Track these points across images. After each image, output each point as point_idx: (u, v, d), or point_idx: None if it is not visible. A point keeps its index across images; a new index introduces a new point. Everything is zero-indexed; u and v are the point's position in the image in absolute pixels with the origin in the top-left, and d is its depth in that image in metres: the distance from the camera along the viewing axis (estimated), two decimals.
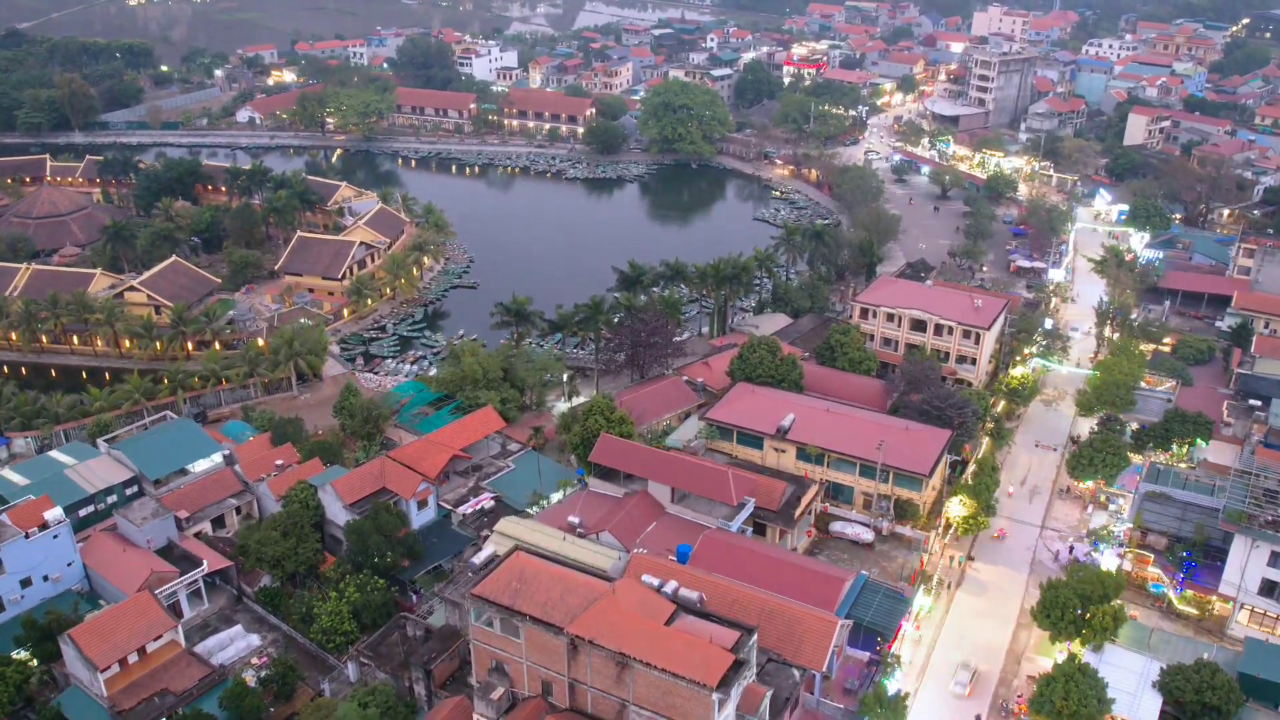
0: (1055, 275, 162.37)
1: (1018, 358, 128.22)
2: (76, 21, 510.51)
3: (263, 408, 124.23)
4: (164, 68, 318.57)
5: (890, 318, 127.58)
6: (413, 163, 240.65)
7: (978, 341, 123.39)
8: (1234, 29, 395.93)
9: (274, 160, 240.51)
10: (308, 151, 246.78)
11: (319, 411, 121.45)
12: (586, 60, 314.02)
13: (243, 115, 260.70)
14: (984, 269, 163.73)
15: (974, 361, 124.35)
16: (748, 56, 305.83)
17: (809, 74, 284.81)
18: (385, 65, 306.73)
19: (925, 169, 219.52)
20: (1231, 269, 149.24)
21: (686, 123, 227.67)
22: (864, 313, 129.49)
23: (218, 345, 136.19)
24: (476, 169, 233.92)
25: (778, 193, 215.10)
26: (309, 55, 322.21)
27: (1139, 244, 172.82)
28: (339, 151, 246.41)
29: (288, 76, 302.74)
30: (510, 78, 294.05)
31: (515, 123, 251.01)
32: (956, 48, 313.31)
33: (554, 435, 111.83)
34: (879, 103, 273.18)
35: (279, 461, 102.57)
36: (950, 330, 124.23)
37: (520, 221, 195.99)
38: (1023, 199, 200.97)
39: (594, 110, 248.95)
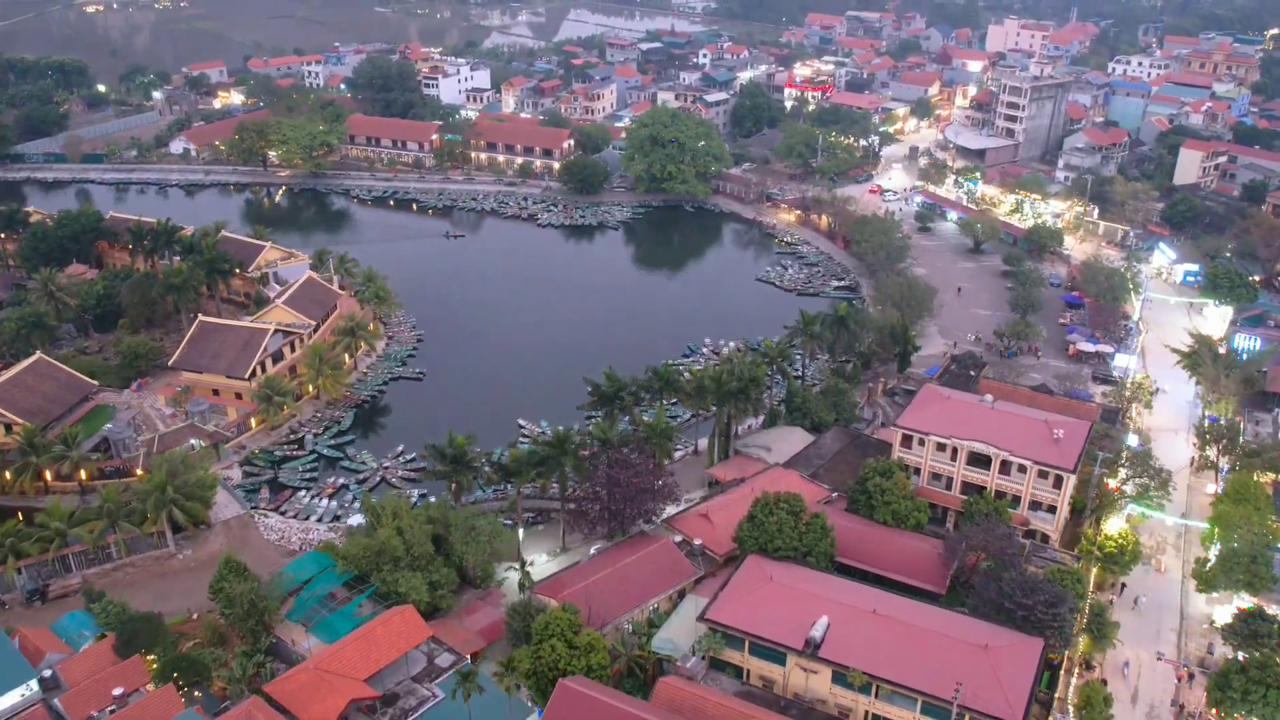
0: (1124, 361, 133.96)
1: (1106, 499, 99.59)
2: (29, 31, 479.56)
3: (127, 571, 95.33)
4: (100, 87, 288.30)
5: (942, 447, 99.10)
6: (367, 202, 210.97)
7: (1059, 485, 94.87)
8: (1263, 43, 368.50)
9: (210, 200, 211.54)
10: (249, 189, 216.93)
11: (201, 578, 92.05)
12: (567, 79, 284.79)
13: (176, 146, 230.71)
14: (1039, 354, 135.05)
15: (1052, 509, 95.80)
16: (745, 76, 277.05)
17: (813, 97, 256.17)
18: (342, 86, 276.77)
19: (952, 214, 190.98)
20: None
21: (677, 159, 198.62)
22: (906, 440, 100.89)
23: (84, 475, 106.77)
24: (437, 209, 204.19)
25: (781, 241, 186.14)
26: (260, 74, 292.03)
27: (1220, 320, 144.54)
28: (283, 189, 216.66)
29: (235, 98, 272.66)
30: (481, 100, 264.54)
31: (484, 155, 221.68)
32: (974, 66, 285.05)
33: (501, 632, 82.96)
34: (892, 130, 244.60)
35: (118, 690, 73.70)
36: (1022, 468, 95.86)
37: (483, 279, 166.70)
38: (1070, 254, 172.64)
39: (572, 142, 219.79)
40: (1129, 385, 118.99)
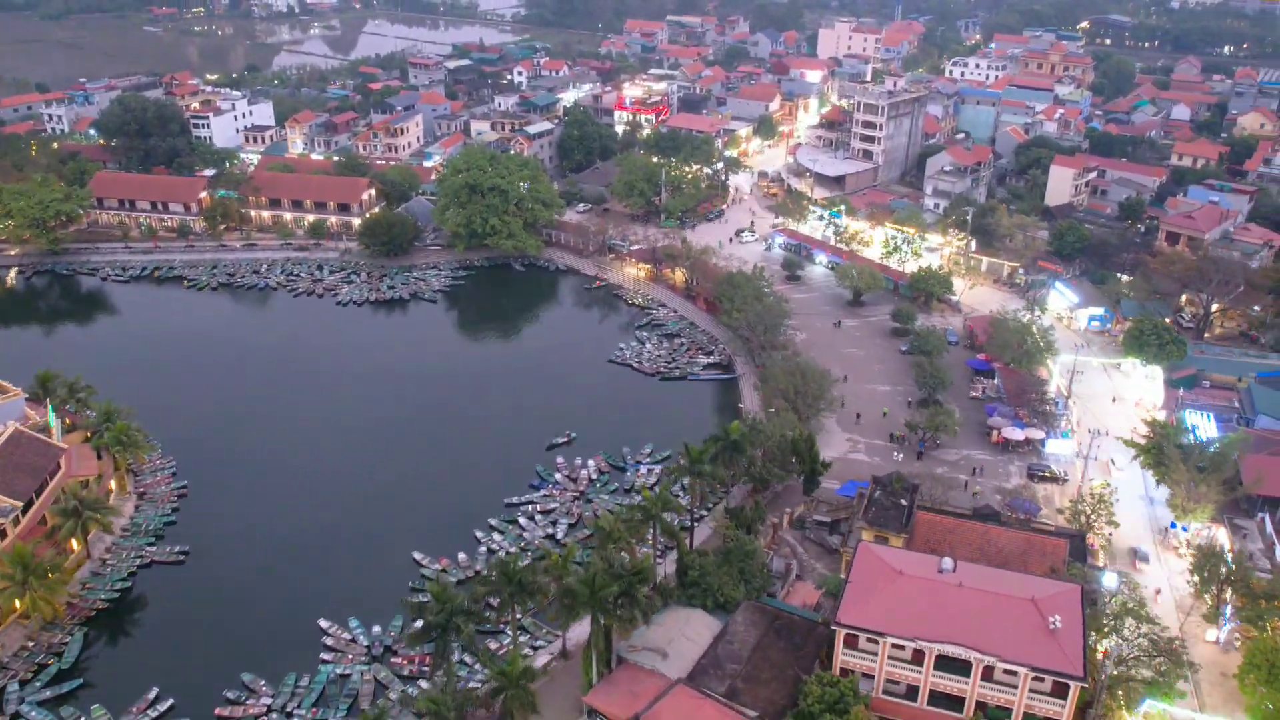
0: (1060, 449, 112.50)
1: (1115, 684, 75.66)
2: None
3: None
4: None
5: (901, 648, 73.04)
6: (125, 281, 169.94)
7: (1063, 694, 70.21)
8: (1081, 39, 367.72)
9: None
10: None
11: None
12: (365, 108, 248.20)
13: None
14: (978, 483, 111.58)
15: None
16: (568, 97, 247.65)
17: (647, 120, 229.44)
18: (92, 131, 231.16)
19: (821, 256, 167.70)
20: None
21: (501, 209, 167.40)
22: (851, 640, 74.38)
23: None
24: (210, 287, 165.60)
25: (632, 303, 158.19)
26: None
27: (1149, 384, 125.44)
28: (13, 273, 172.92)
29: None
30: (262, 140, 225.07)
31: (266, 214, 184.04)
32: (813, 76, 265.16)
33: None
34: (736, 152, 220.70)
35: None
36: (1012, 672, 70.81)
37: (270, 386, 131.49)
38: (959, 300, 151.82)
39: (374, 192, 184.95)
40: (1086, 500, 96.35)
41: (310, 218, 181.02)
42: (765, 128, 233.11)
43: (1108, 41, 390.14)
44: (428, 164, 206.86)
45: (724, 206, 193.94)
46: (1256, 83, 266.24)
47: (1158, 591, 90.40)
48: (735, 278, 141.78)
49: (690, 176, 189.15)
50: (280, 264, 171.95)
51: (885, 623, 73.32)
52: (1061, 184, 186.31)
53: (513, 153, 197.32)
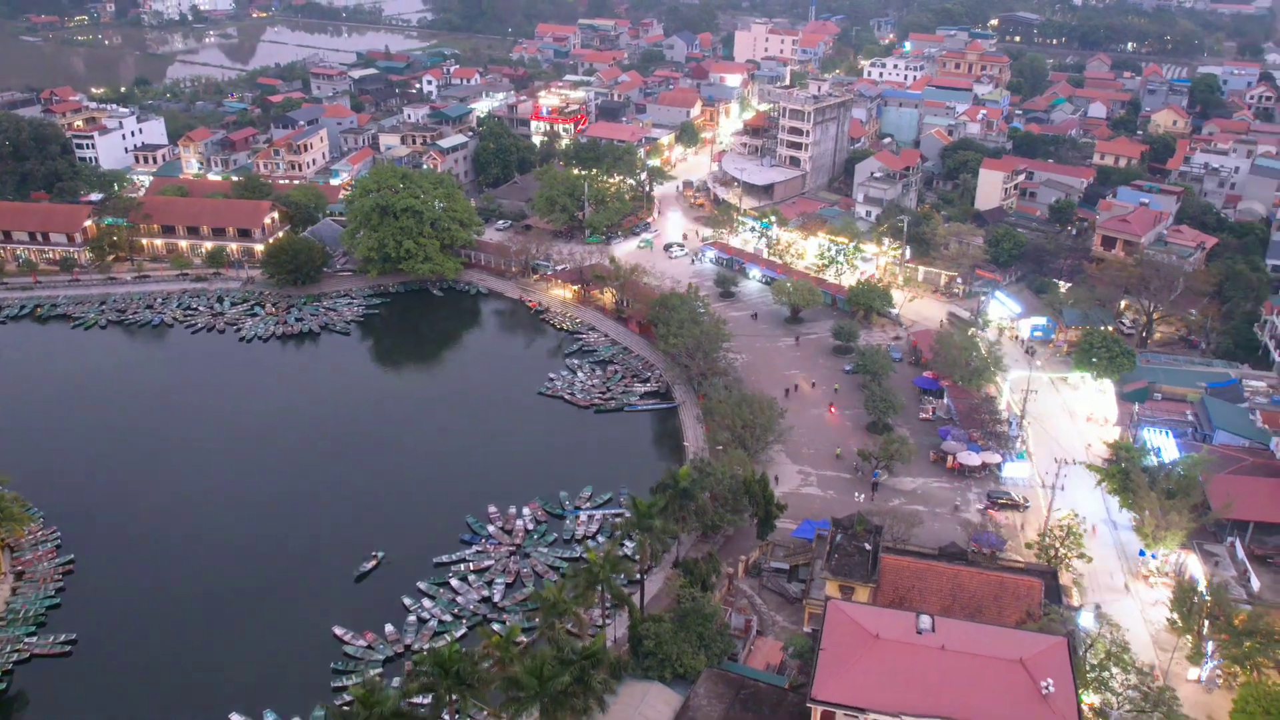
0: (1017, 472, 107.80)
1: None
2: None
3: None
4: None
5: None
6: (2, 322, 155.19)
7: None
8: (994, 37, 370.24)
9: None
10: None
11: None
12: (265, 123, 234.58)
13: None
14: (936, 513, 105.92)
15: None
16: (481, 107, 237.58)
17: (565, 130, 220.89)
18: None
19: (755, 270, 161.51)
20: None
21: (415, 232, 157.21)
22: (828, 716, 67.40)
23: None
24: (99, 325, 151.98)
25: (559, 326, 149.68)
26: None
27: (1101, 398, 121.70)
28: None
29: None
30: (154, 160, 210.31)
31: (159, 242, 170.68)
32: (733, 80, 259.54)
33: None
34: (659, 161, 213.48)
35: None
36: None
37: (169, 439, 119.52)
38: (898, 314, 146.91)
39: (276, 215, 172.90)
40: (1054, 533, 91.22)
41: (208, 245, 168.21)
42: (687, 135, 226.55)
43: (1017, 39, 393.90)
44: (335, 182, 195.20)
45: (650, 219, 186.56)
46: (1166, 80, 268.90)
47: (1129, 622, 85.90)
48: (670, 299, 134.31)
49: (614, 189, 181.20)
50: (176, 297, 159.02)
51: (865, 696, 66.50)
52: (991, 187, 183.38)
53: (426, 168, 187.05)
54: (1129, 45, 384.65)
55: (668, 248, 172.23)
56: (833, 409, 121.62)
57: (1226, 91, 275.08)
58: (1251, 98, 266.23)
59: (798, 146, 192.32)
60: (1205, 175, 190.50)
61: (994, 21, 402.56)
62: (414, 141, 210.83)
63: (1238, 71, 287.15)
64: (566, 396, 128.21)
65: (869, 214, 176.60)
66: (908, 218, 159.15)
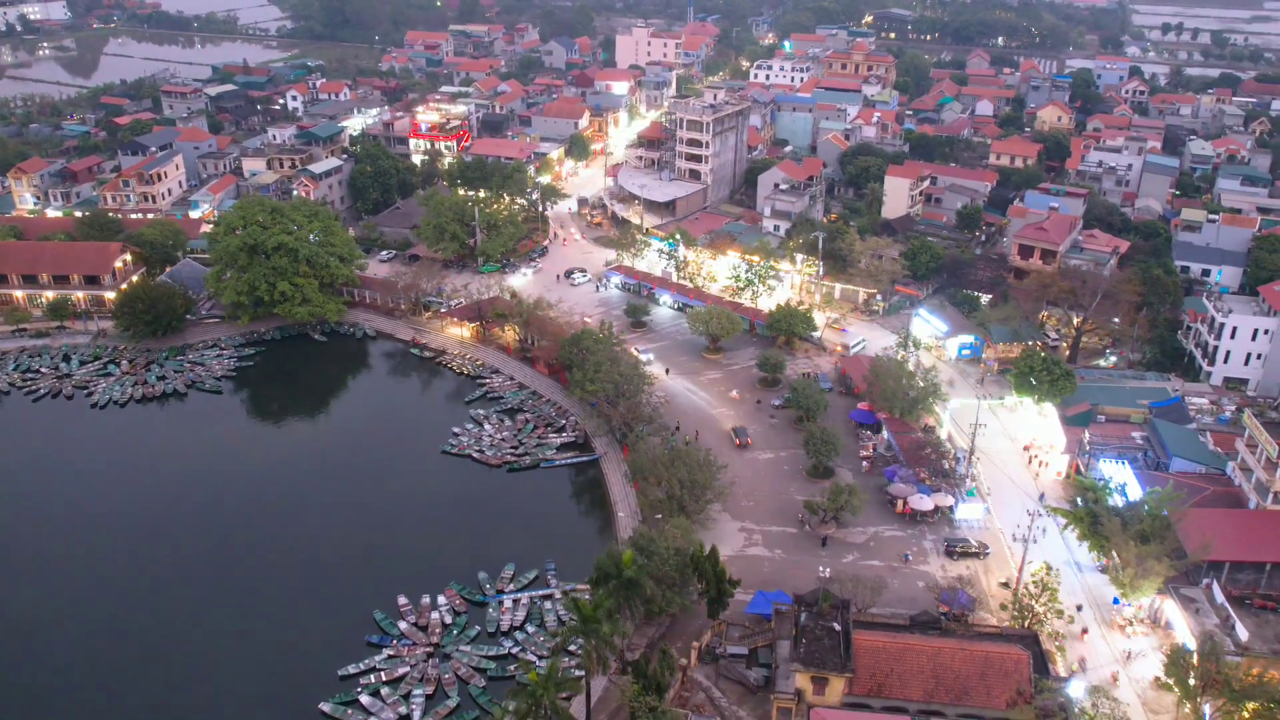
0: (970, 513, 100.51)
1: None
2: None
3: None
4: None
5: None
6: None
7: None
8: (873, 35, 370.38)
9: None
10: None
11: None
12: (112, 146, 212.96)
13: None
14: (897, 569, 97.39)
15: None
16: (353, 125, 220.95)
17: (447, 148, 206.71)
18: None
19: (666, 296, 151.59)
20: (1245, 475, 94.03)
21: (290, 272, 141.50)
22: None
23: None
24: None
25: (460, 371, 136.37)
26: None
27: (1045, 423, 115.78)
28: None
29: None
30: None
31: None
32: (619, 88, 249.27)
33: None
34: (550, 178, 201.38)
35: None
36: None
37: (3, 538, 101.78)
38: (819, 337, 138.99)
39: (129, 257, 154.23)
40: (1028, 589, 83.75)
41: (49, 295, 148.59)
42: (577, 148, 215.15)
43: (892, 35, 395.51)
44: (194, 214, 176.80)
45: (546, 243, 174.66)
46: (1048, 76, 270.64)
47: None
48: (583, 338, 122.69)
49: (505, 212, 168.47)
50: (12, 357, 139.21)
51: None
52: (898, 195, 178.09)
53: (297, 196, 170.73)
54: (999, 40, 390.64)
55: (569, 274, 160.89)
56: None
57: (1102, 86, 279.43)
58: (1126, 92, 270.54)
59: (698, 159, 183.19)
60: (1103, 174, 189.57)
61: (868, 18, 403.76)
62: (281, 166, 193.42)
63: (1110, 66, 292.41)
64: (475, 454, 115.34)
65: (777, 228, 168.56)
66: (821, 233, 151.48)
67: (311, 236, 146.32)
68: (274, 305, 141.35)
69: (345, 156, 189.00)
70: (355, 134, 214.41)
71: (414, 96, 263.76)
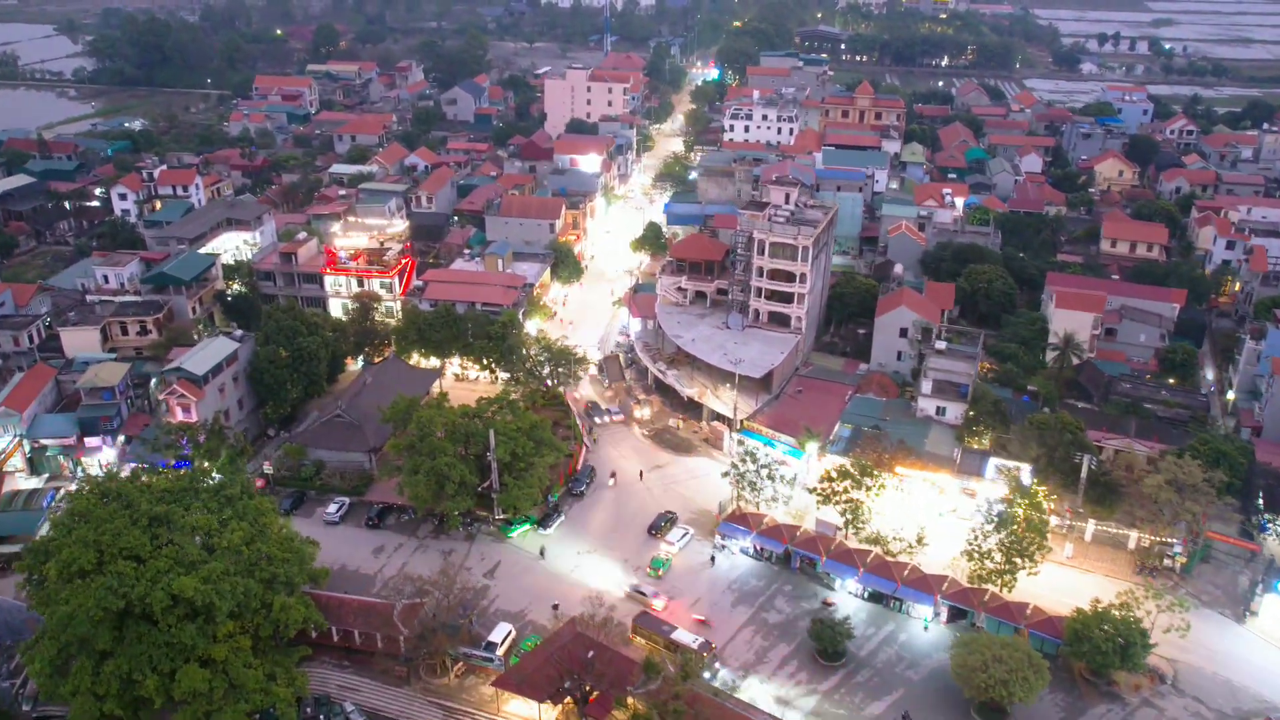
0: None
1: None
2: None
3: None
4: None
5: None
6: None
7: None
8: (827, 61, 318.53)
9: None
10: None
11: None
12: None
13: None
14: None
15: None
16: (222, 245, 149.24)
17: (385, 286, 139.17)
18: None
19: (849, 579, 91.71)
20: None
21: (199, 645, 73.65)
22: None
23: None
24: None
25: None
26: None
27: None
28: None
29: None
30: None
31: None
32: (589, 163, 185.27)
33: None
34: (541, 323, 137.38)
35: None
36: None
37: None
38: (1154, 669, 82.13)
39: None
40: None
41: None
42: (566, 268, 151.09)
43: (824, 55, 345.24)
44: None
45: (585, 453, 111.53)
46: (1092, 122, 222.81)
47: None
48: None
49: (529, 428, 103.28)
50: None
51: None
52: (1077, 332, 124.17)
53: (184, 454, 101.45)
54: (944, 60, 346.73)
55: (655, 529, 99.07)
56: None
57: (1136, 125, 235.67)
58: (1172, 132, 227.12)
59: (787, 298, 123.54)
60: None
61: (795, 40, 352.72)
62: (127, 333, 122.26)
63: (1130, 98, 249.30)
64: None
65: (942, 411, 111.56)
66: (1089, 456, 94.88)
67: (236, 554, 78.78)
68: (172, 708, 73.44)
69: (239, 335, 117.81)
70: (232, 263, 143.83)
71: (292, 180, 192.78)
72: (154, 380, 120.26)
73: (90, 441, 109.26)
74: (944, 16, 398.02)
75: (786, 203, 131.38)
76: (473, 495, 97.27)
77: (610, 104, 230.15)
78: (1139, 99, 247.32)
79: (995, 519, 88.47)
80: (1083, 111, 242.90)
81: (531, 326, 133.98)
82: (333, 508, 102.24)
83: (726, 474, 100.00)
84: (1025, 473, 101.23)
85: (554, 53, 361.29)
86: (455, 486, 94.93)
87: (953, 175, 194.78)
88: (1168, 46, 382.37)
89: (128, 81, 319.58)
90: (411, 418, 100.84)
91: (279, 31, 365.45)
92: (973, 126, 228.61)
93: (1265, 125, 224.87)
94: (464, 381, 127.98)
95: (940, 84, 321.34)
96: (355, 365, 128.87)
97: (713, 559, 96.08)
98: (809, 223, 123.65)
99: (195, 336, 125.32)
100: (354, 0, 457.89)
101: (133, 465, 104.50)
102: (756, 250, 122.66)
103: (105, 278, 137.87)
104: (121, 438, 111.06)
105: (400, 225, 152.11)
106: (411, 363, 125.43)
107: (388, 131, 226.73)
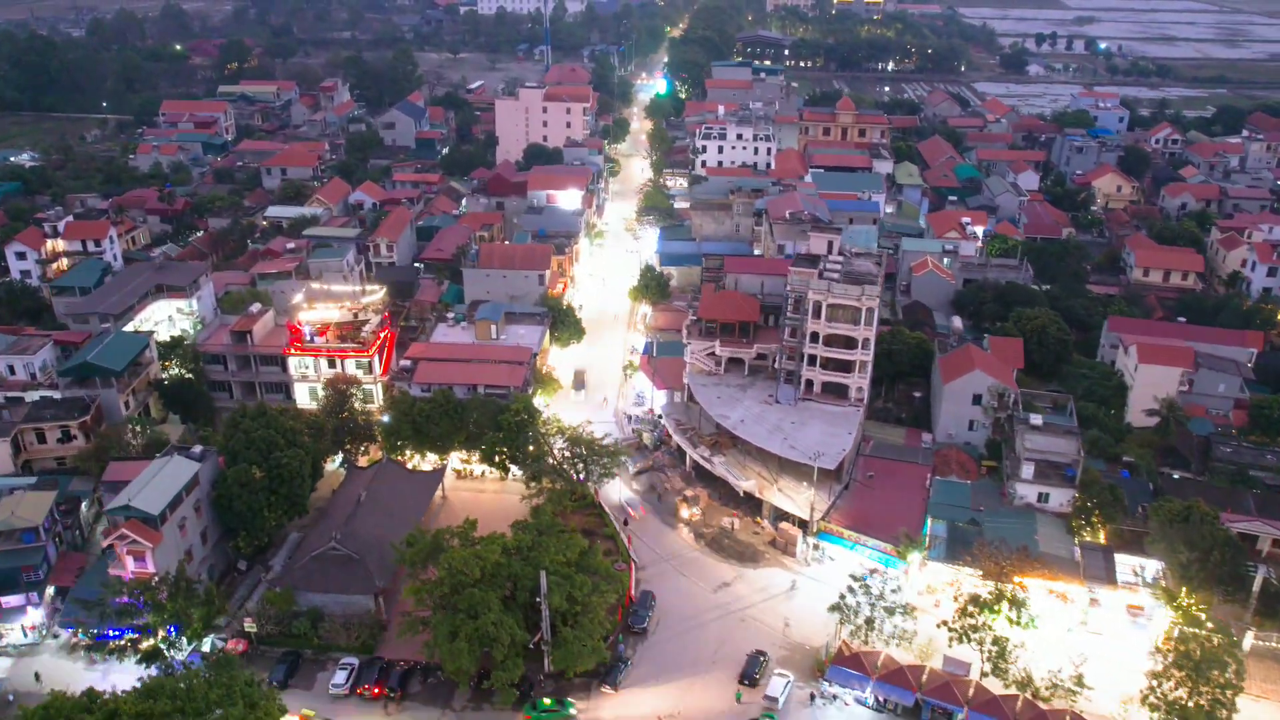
0: None
1: None
2: None
3: None
4: None
5: None
6: None
7: None
8: (780, 71, 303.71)
9: None
10: None
11: None
12: None
13: None
14: None
15: None
16: (156, 322, 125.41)
17: (363, 367, 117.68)
18: None
19: None
20: None
21: None
22: None
23: None
24: None
25: None
26: None
27: None
28: None
29: None
30: None
31: None
32: (569, 199, 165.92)
33: None
34: (547, 403, 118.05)
35: None
36: None
37: None
38: None
39: None
40: None
41: None
42: (565, 327, 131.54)
43: (768, 62, 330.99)
44: None
45: (638, 573, 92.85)
46: (1087, 136, 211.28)
47: None
48: None
49: (582, 556, 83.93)
50: None
51: None
52: (1151, 390, 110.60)
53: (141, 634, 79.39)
54: (890, 65, 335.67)
55: (750, 679, 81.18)
56: None
57: (1117, 133, 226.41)
58: (1157, 141, 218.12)
59: (845, 367, 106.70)
60: None
61: (737, 46, 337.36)
62: (43, 440, 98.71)
63: (1104, 104, 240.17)
64: None
65: (1044, 498, 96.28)
66: (1264, 568, 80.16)
67: None
68: None
69: (199, 450, 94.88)
70: (168, 342, 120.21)
71: (221, 225, 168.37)
72: (84, 503, 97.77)
73: (8, 600, 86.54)
74: (877, 18, 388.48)
75: (829, 252, 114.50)
76: (523, 656, 77.79)
77: (569, 125, 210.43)
78: (1113, 105, 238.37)
79: (1183, 660, 72.75)
80: (1058, 120, 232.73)
81: (539, 402, 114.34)
82: (340, 675, 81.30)
83: (834, 608, 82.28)
84: (1151, 568, 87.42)
85: (482, 64, 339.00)
86: (504, 650, 75.37)
87: (953, 198, 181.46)
88: (1103, 46, 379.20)
89: (11, 107, 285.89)
90: (437, 558, 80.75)
91: (179, 47, 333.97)
92: (950, 139, 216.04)
93: (1246, 133, 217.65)
94: (466, 479, 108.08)
95: (888, 89, 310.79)
96: (333, 464, 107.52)
97: (812, 697, 78.94)
98: (867, 279, 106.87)
99: (131, 439, 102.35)
100: (256, 11, 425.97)
101: (68, 633, 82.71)
102: (812, 313, 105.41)
103: (10, 369, 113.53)
104: (50, 590, 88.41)
105: (374, 289, 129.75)
106: (406, 463, 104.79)
107: (323, 163, 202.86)
